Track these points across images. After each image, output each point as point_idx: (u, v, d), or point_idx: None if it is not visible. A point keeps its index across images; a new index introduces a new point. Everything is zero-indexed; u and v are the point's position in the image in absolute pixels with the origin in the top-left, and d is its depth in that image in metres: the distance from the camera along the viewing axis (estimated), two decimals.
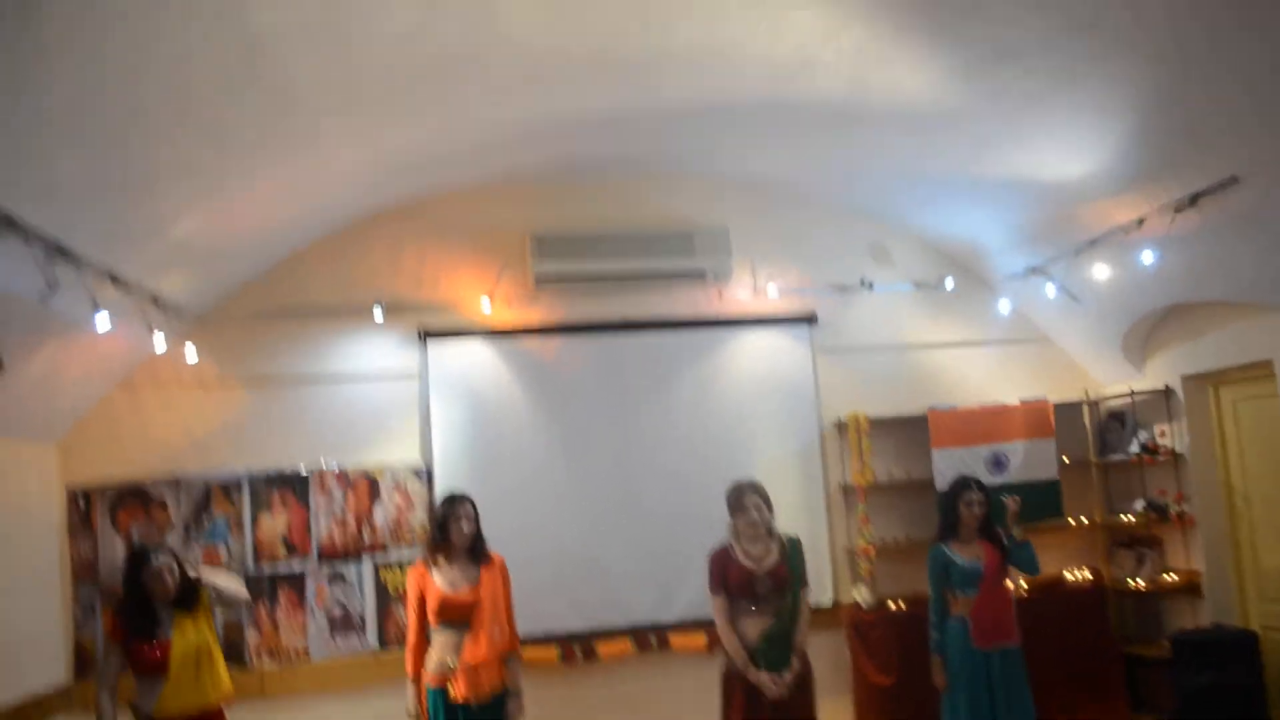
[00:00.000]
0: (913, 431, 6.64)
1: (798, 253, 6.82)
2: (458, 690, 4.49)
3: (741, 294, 6.69)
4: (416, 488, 6.14)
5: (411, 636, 4.70)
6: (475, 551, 4.75)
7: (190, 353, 5.73)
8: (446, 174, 6.06)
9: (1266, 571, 6.09)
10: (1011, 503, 5.22)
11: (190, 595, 4.44)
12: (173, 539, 5.77)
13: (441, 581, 4.64)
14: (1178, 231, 5.09)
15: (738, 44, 4.48)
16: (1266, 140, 4.32)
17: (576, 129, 5.62)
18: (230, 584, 4.62)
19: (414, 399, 6.27)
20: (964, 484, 5.26)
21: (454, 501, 4.79)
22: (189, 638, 4.36)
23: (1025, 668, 5.18)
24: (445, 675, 4.53)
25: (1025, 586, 6.44)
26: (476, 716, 4.53)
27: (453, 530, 4.69)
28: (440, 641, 4.60)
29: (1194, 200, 4.89)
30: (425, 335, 6.27)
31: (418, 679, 4.64)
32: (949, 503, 5.27)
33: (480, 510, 4.80)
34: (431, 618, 4.62)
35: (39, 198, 3.74)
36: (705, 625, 5.66)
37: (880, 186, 6.47)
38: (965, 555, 5.15)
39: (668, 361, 6.56)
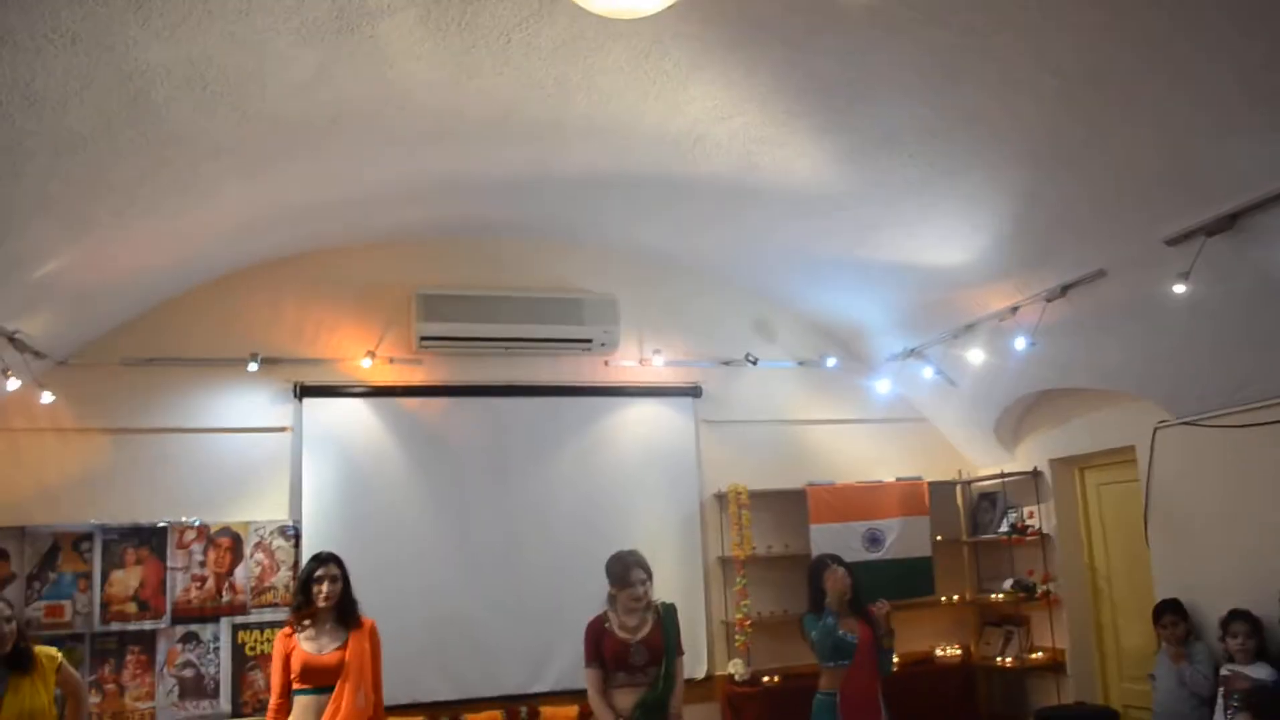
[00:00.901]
0: (791, 505, 6.69)
1: (684, 325, 6.88)
2: None
3: (627, 363, 6.70)
4: (282, 546, 5.90)
5: (274, 699, 4.50)
6: (344, 614, 4.58)
7: (46, 397, 5.43)
8: (332, 226, 5.93)
9: (1126, 651, 6.28)
10: (881, 606, 5.20)
11: (26, 654, 4.16)
12: (12, 593, 5.40)
13: (307, 644, 4.47)
14: (1049, 320, 5.30)
15: (634, 118, 4.53)
16: (1132, 237, 4.54)
17: (470, 190, 5.59)
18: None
19: (285, 455, 6.05)
20: (823, 562, 5.28)
21: (318, 561, 4.62)
22: (23, 700, 4.08)
23: None
24: None
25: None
26: None
27: (315, 591, 4.52)
28: (302, 704, 4.42)
29: (1064, 290, 5.10)
30: (302, 390, 6.08)
31: None
32: (814, 579, 5.28)
33: (351, 572, 4.62)
34: (295, 680, 4.44)
35: None
36: (578, 695, 5.53)
37: (767, 264, 6.58)
38: (842, 627, 5.14)
39: (552, 427, 6.50)
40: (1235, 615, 4.92)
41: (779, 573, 6.68)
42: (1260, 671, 4.72)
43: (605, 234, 6.53)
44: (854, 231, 5.57)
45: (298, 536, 5.93)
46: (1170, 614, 5.35)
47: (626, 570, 4.75)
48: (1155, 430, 5.64)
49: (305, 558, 5.74)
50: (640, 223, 6.22)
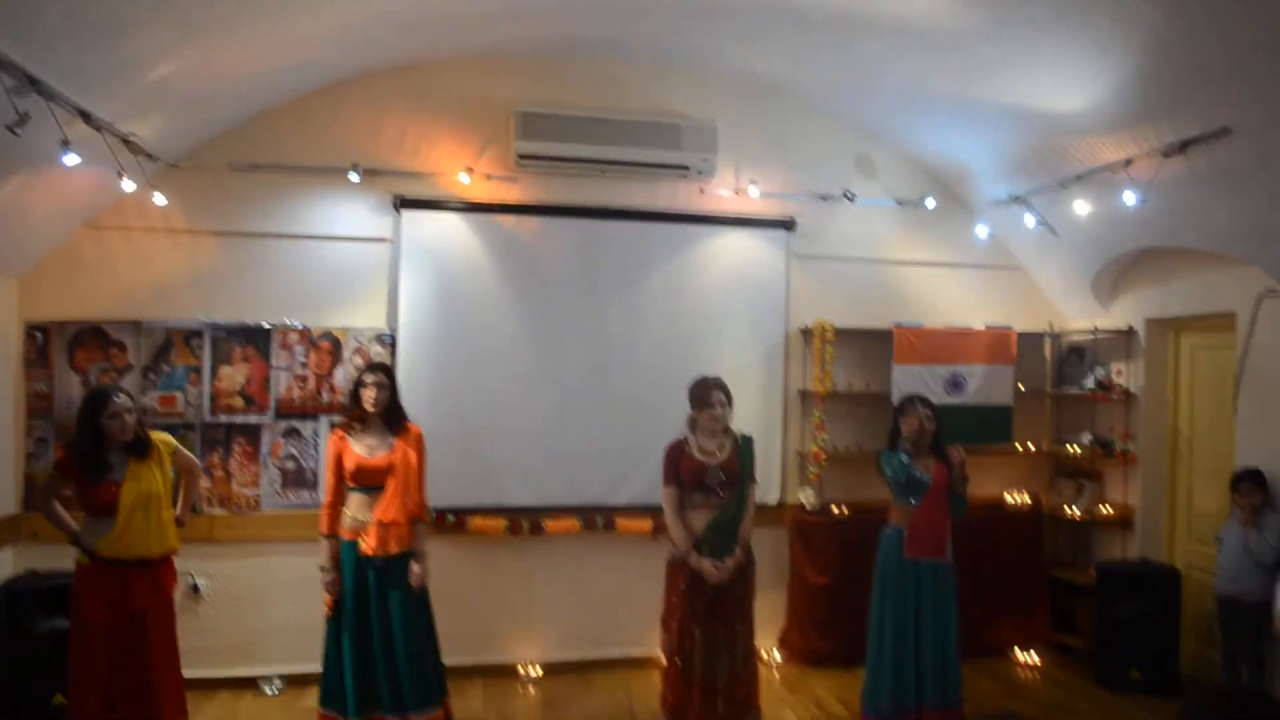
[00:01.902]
0: (876, 345, 6.71)
1: (783, 157, 6.75)
2: (368, 544, 4.75)
3: (723, 192, 6.63)
4: (379, 352, 6.14)
5: (327, 496, 4.93)
6: (391, 420, 4.92)
7: (159, 198, 5.62)
8: (435, 40, 5.88)
9: (1197, 514, 6.30)
10: (958, 452, 5.26)
11: (144, 441, 4.48)
12: (130, 382, 5.77)
13: (358, 446, 4.85)
14: (1163, 176, 5.10)
15: None
16: (1263, 96, 4.30)
17: (572, 6, 5.48)
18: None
19: (384, 265, 6.21)
20: (911, 401, 5.34)
21: (368, 369, 4.97)
22: (141, 484, 4.42)
23: (954, 585, 5.35)
24: (357, 529, 4.80)
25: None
26: (381, 570, 4.79)
27: (363, 398, 4.86)
28: (355, 500, 4.85)
29: (1183, 147, 4.89)
30: (401, 203, 6.18)
31: (331, 534, 4.87)
32: (898, 416, 5.36)
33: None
34: (348, 480, 4.85)
35: (19, 35, 3.65)
36: (652, 511, 5.78)
37: (874, 99, 6.38)
38: (918, 466, 5.24)
39: (643, 252, 6.53)
40: None
41: (858, 409, 6.78)
42: None
43: (708, 58, 6.37)
44: (970, 70, 5.35)
45: (394, 344, 6.16)
46: (1249, 481, 5.35)
47: (707, 392, 4.91)
48: (1261, 298, 5.48)
49: (401, 364, 6.01)
50: (745, 48, 6.04)
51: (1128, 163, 5.27)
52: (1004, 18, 4.68)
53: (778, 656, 6.56)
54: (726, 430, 4.96)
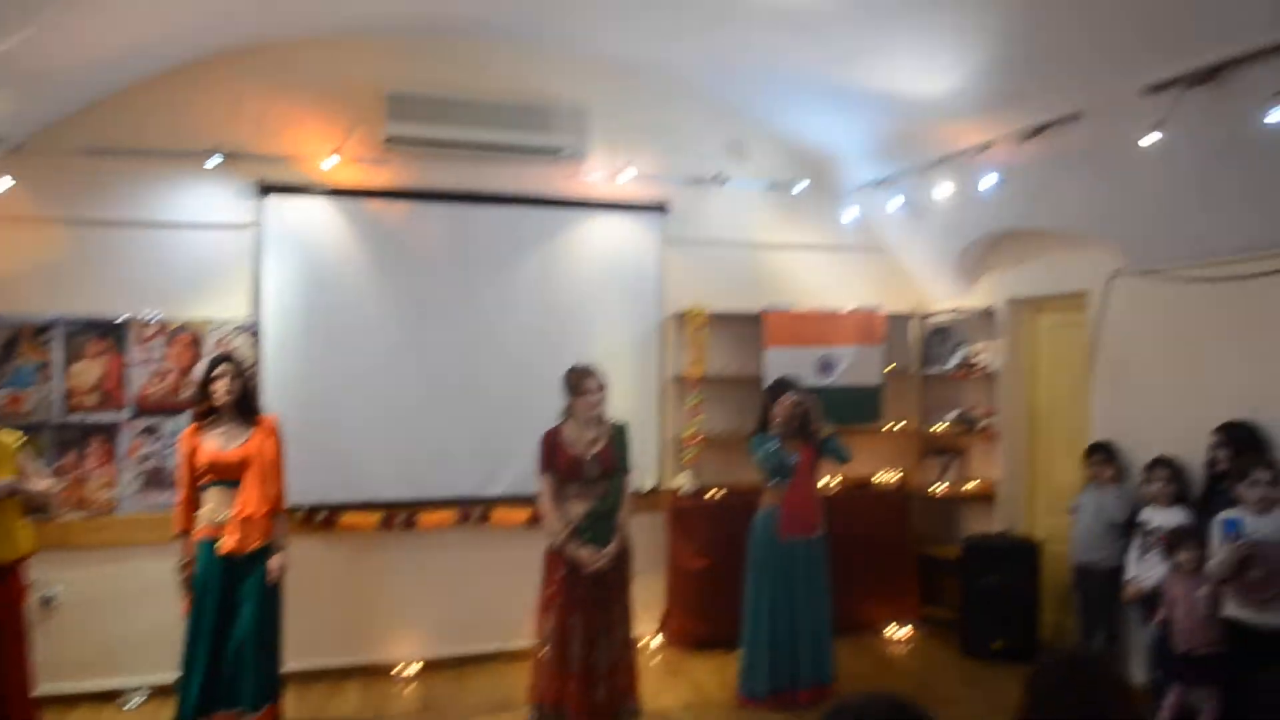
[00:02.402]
0: (749, 328, 6.79)
1: (656, 140, 6.76)
2: (226, 542, 4.64)
3: (595, 176, 6.60)
4: (242, 344, 5.92)
5: (181, 494, 4.81)
6: (244, 411, 4.82)
7: (4, 182, 5.29)
8: (298, 17, 5.69)
9: (1056, 486, 6.56)
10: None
11: None
12: None
13: (212, 441, 4.76)
14: (1020, 159, 5.29)
15: None
16: (1112, 83, 4.50)
17: None
18: (41, 485, 4.51)
19: (246, 253, 5.97)
20: (781, 384, 5.46)
21: (216, 362, 4.85)
22: None
23: (826, 559, 5.51)
24: (216, 527, 4.68)
25: (835, 482, 6.77)
26: (240, 567, 4.69)
27: (213, 390, 4.75)
28: (213, 497, 4.73)
29: (1038, 131, 5.08)
30: (264, 188, 5.95)
31: (185, 534, 4.75)
32: (768, 400, 5.48)
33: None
34: (203, 476, 4.73)
35: None
36: (529, 501, 5.72)
37: (746, 82, 6.44)
38: (787, 448, 5.36)
39: (515, 238, 6.45)
40: (1159, 461, 5.15)
41: (732, 393, 6.84)
42: (1177, 516, 4.97)
43: (580, 40, 6.31)
44: (835, 53, 5.44)
45: (257, 335, 5.94)
46: (1101, 453, 5.61)
47: (581, 379, 4.92)
48: (1111, 277, 5.73)
49: (265, 357, 5.81)
50: (616, 29, 6.00)
51: (986, 146, 5.45)
52: (866, 2, 4.77)
53: (657, 641, 6.59)
54: (601, 419, 4.96)
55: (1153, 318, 5.50)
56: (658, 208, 6.75)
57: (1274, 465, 4.44)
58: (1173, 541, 4.67)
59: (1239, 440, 4.76)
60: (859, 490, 7.04)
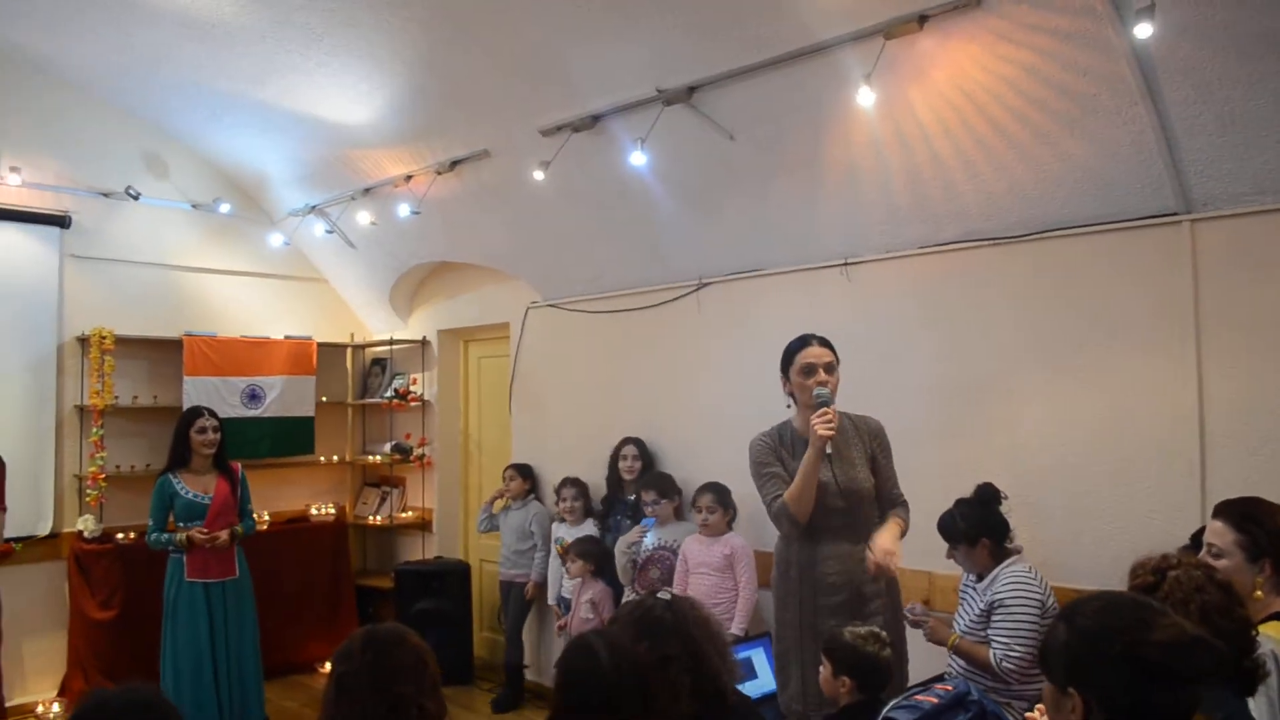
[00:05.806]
0: (168, 355, 6.31)
1: (57, 146, 6.05)
2: None
3: None
4: None
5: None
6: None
7: None
8: None
9: None
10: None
11: None
12: None
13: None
14: (439, 193, 5.44)
15: None
16: (514, 122, 4.76)
17: None
18: None
19: None
20: (195, 413, 5.15)
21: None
22: None
23: (251, 598, 5.24)
24: None
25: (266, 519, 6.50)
26: None
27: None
28: None
29: (454, 165, 5.25)
30: None
31: None
32: (181, 432, 5.12)
33: None
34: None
35: None
36: None
37: (163, 93, 5.95)
38: (194, 488, 5.05)
39: None
40: (566, 481, 5.57)
41: (146, 425, 6.27)
42: (587, 528, 5.42)
43: None
44: (259, 72, 5.19)
45: None
46: (512, 469, 5.95)
47: None
48: (527, 310, 6.07)
49: None
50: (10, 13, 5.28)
51: (408, 178, 5.54)
52: (283, 19, 4.61)
53: (57, 708, 5.81)
54: None
55: (561, 348, 5.92)
56: (59, 220, 6.02)
57: (662, 483, 4.95)
58: (578, 552, 5.10)
59: (638, 457, 5.24)
60: (295, 525, 6.80)
